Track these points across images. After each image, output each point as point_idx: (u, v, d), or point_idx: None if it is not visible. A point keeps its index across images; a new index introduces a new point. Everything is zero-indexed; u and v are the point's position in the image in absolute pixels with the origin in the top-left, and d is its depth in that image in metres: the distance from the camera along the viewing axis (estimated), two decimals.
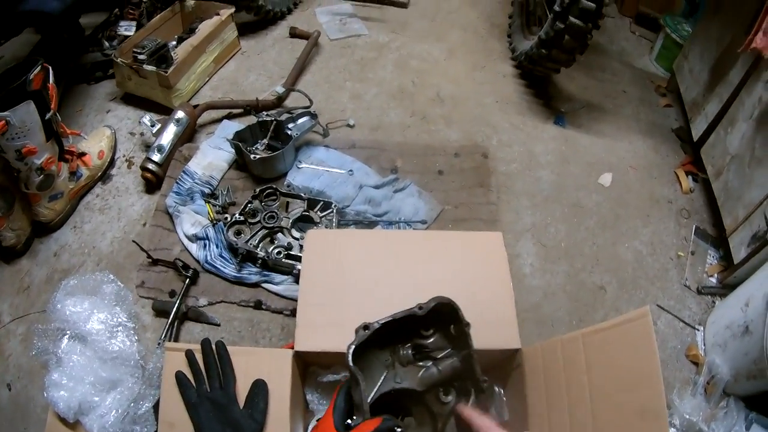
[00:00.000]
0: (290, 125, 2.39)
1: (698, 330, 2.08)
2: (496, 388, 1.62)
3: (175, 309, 1.94)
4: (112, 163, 2.46)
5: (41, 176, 2.03)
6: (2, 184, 2.00)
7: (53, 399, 1.58)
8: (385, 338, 1.24)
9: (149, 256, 2.08)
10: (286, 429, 1.36)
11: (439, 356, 1.28)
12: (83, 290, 1.83)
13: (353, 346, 1.11)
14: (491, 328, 1.51)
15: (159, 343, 1.87)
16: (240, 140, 2.31)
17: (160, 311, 1.99)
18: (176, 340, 1.93)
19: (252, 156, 2.25)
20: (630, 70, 3.22)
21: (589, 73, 3.12)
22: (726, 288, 2.15)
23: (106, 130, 2.47)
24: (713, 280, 2.23)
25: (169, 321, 1.92)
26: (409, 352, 1.27)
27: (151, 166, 2.30)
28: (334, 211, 2.16)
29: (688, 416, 1.74)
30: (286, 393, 1.37)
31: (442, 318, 1.24)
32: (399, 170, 2.45)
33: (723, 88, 2.35)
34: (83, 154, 2.29)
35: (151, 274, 2.09)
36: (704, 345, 2.03)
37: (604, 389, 1.23)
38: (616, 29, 3.56)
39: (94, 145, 2.37)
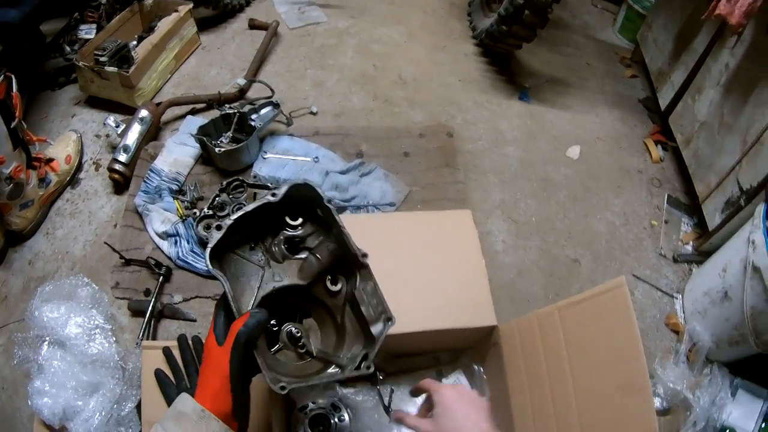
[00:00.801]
0: (253, 116, 2.38)
1: (676, 298, 2.09)
2: (476, 367, 1.64)
3: (150, 308, 1.93)
4: (79, 166, 2.43)
5: (10, 185, 2.00)
6: None
7: (37, 407, 1.58)
8: (253, 237, 1.17)
9: (122, 257, 2.07)
10: (266, 422, 1.36)
11: (313, 245, 1.19)
12: (59, 296, 1.81)
13: (209, 249, 1.01)
14: (466, 306, 1.53)
15: (137, 343, 1.85)
16: (204, 134, 2.29)
17: (137, 311, 1.98)
18: (154, 338, 1.92)
19: (217, 149, 2.22)
20: (593, 43, 3.22)
21: (552, 48, 3.12)
22: (702, 255, 2.17)
23: (72, 135, 2.44)
24: (688, 247, 2.25)
25: (146, 320, 1.91)
26: (282, 246, 1.18)
27: (117, 166, 2.27)
28: None
29: (672, 385, 1.74)
30: (263, 385, 1.32)
31: (305, 204, 1.15)
32: (364, 154, 2.44)
33: (688, 56, 2.36)
34: (51, 160, 2.26)
35: (125, 274, 2.08)
36: (683, 313, 2.04)
37: (584, 363, 1.23)
38: (578, 3, 3.55)
39: (60, 150, 2.34)
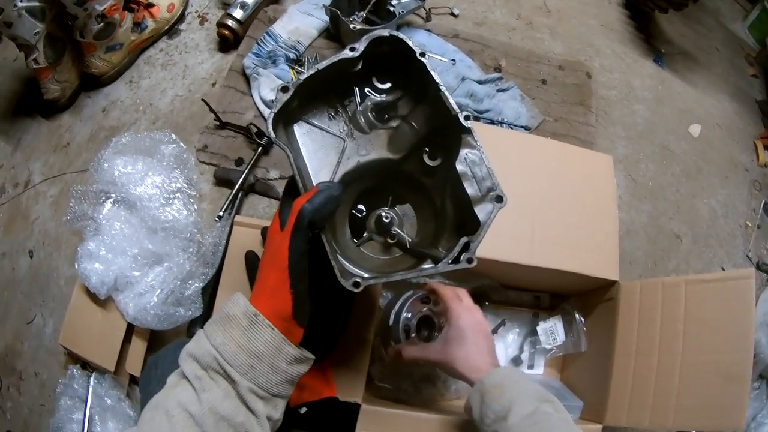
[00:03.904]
0: (394, 2, 1.90)
1: None
2: (577, 316, 1.46)
3: (241, 179, 1.52)
4: (182, 17, 1.95)
5: (101, 24, 1.61)
6: (53, 32, 1.58)
7: (85, 271, 1.26)
8: (334, 104, 0.88)
9: (217, 118, 1.63)
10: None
11: (406, 111, 0.89)
12: (137, 149, 1.45)
13: (272, 114, 0.75)
14: (590, 253, 1.35)
15: (219, 216, 1.46)
16: (336, 8, 1.83)
17: (222, 180, 1.57)
18: (238, 213, 1.56)
19: (352, 26, 1.77)
20: (723, 30, 2.78)
21: (687, 22, 2.67)
22: None
23: None
24: None
25: (234, 191, 1.51)
26: (369, 113, 0.88)
27: (230, 22, 1.81)
28: None
29: None
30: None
31: (394, 64, 0.85)
32: (503, 70, 2.01)
33: None
34: (151, 5, 1.83)
35: (216, 138, 1.65)
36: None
37: (697, 342, 1.16)
38: None
39: None
